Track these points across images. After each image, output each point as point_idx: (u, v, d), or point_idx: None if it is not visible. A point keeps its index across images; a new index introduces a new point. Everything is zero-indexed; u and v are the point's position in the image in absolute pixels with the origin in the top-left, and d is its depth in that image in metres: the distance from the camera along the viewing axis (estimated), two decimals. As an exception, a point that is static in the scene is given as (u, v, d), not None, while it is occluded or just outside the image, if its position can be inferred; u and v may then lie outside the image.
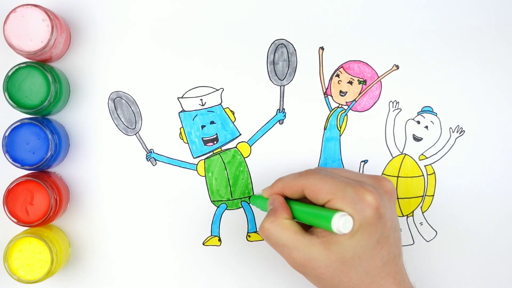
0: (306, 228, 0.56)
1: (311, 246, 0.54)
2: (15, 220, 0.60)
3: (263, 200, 0.61)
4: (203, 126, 0.66)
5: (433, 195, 0.67)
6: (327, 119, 0.66)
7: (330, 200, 0.54)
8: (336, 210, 0.53)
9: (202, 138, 0.66)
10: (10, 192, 0.60)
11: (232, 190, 0.66)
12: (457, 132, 0.66)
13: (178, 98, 0.65)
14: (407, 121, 0.66)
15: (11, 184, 0.60)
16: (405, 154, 0.67)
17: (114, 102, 0.65)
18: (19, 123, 0.60)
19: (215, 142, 0.66)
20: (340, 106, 0.66)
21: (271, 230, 0.56)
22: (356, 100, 0.66)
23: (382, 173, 0.66)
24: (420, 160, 0.67)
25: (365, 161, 0.66)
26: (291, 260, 0.56)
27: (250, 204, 0.66)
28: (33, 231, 0.61)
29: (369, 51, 0.66)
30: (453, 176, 0.66)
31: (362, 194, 0.54)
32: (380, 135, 0.66)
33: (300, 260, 0.55)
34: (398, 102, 0.66)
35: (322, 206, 0.55)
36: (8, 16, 0.60)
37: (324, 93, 0.66)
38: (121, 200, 0.65)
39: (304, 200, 0.57)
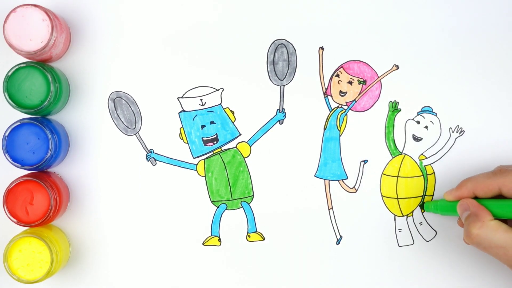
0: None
1: None
2: (15, 220, 0.60)
3: (447, 204, 0.62)
4: (203, 126, 0.66)
5: (433, 195, 0.67)
6: (327, 119, 0.66)
7: None
8: None
9: (202, 138, 0.66)
10: (10, 192, 0.60)
11: (232, 190, 0.66)
12: (456, 132, 0.66)
13: (178, 98, 0.65)
14: (406, 121, 0.66)
15: (11, 184, 0.60)
16: (405, 154, 0.67)
17: (114, 102, 0.65)
18: (19, 123, 0.60)
19: (215, 142, 0.66)
20: (340, 106, 0.66)
21: (482, 235, 0.57)
22: (356, 100, 0.66)
23: (382, 173, 0.66)
24: (420, 160, 0.67)
25: (365, 161, 0.66)
26: (507, 258, 0.56)
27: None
28: (33, 231, 0.61)
29: (369, 51, 0.66)
30: (453, 176, 0.66)
31: None
32: (380, 135, 0.66)
33: None
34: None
35: None
36: (8, 16, 0.60)
37: (324, 93, 0.66)
38: (121, 200, 0.65)
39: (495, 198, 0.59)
